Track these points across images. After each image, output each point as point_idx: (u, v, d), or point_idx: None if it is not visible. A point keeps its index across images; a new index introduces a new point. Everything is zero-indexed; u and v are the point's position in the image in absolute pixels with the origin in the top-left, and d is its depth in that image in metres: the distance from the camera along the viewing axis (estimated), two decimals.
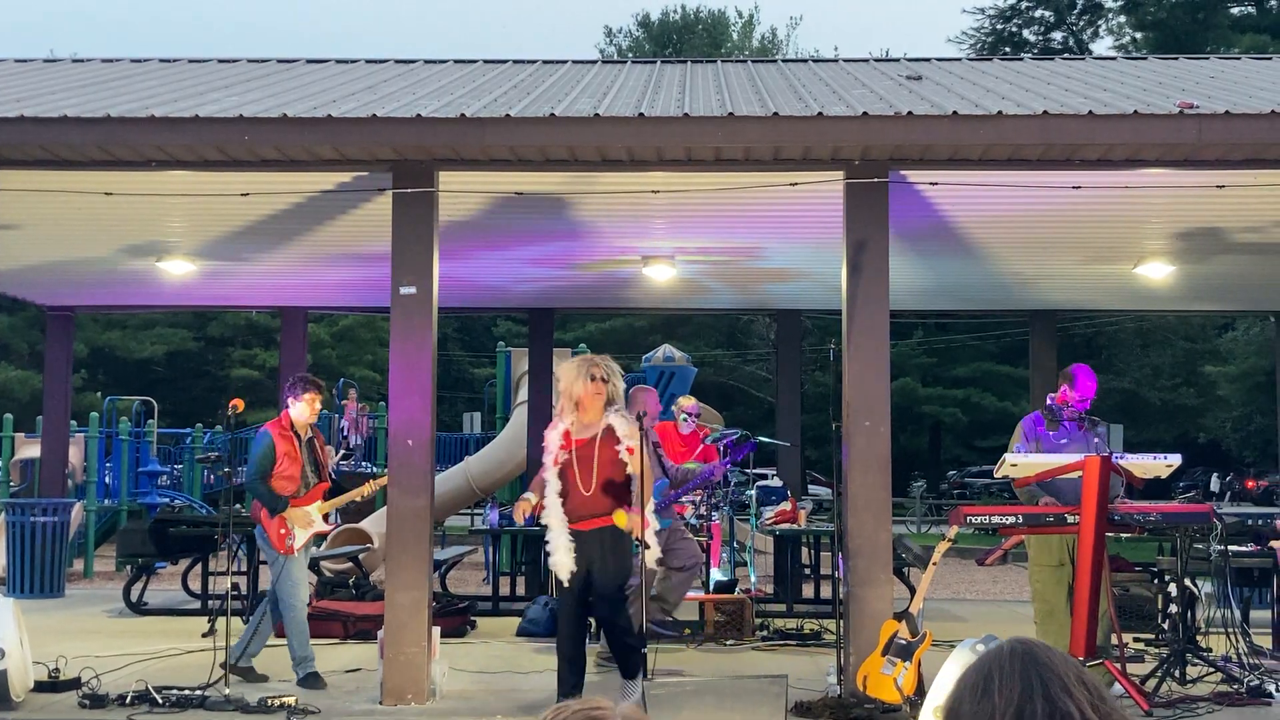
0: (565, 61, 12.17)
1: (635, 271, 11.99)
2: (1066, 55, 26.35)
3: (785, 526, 12.10)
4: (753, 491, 11.95)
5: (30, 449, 19.29)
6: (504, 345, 21.22)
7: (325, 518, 8.77)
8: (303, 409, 8.64)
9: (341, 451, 21.18)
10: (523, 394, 16.80)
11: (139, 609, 12.53)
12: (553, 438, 7.60)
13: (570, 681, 7.51)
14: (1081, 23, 44.91)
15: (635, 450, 7.45)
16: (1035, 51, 40.71)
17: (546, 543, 7.53)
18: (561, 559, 7.41)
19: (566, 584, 7.48)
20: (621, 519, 7.39)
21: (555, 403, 7.91)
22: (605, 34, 54.05)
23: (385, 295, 8.44)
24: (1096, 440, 8.23)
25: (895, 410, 8.73)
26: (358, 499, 9.07)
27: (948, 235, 10.54)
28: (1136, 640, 9.59)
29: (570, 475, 7.50)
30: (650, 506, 7.67)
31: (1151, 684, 7.87)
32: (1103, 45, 44.59)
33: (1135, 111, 8.10)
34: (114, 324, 34.47)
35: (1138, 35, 42.62)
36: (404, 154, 8.24)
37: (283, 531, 8.52)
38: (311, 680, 8.35)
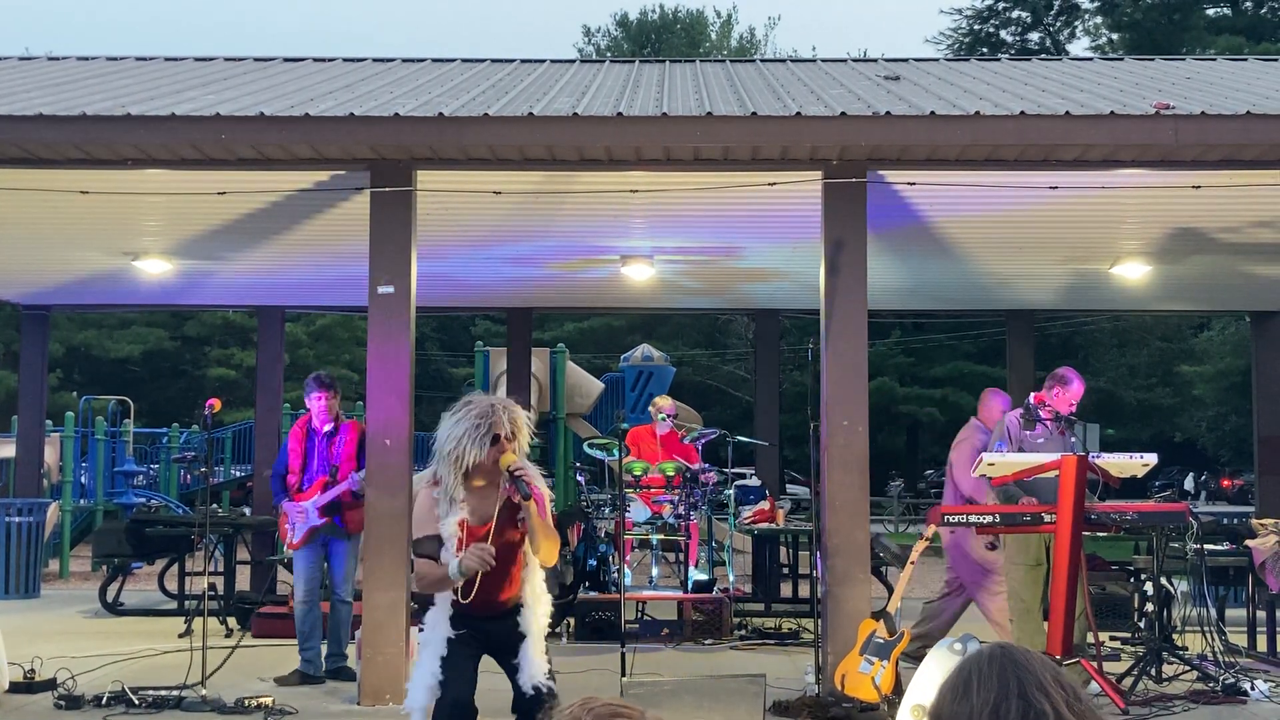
0: (543, 61, 12.16)
1: (614, 271, 11.98)
2: (1043, 56, 26.47)
3: (763, 526, 12.11)
4: (731, 491, 11.93)
5: (5, 449, 19.18)
6: (482, 345, 21.17)
7: (323, 510, 8.68)
8: (312, 407, 8.82)
9: None
10: (501, 393, 16.80)
11: (115, 609, 12.47)
12: (449, 530, 5.26)
13: None
14: (1058, 24, 45.04)
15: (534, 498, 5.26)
16: (1012, 52, 40.83)
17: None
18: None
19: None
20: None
21: (432, 466, 5.39)
22: (583, 33, 53.95)
23: (363, 295, 8.42)
24: (1073, 440, 8.26)
25: (873, 410, 8.74)
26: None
27: (925, 235, 10.56)
28: (1113, 639, 9.63)
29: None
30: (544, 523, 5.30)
31: (1128, 682, 7.90)
32: (1079, 46, 44.80)
33: (1112, 112, 8.13)
34: (90, 323, 34.26)
35: (1114, 36, 42.77)
36: (382, 153, 8.22)
37: (285, 526, 8.72)
38: (292, 677, 8.39)
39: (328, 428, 8.80)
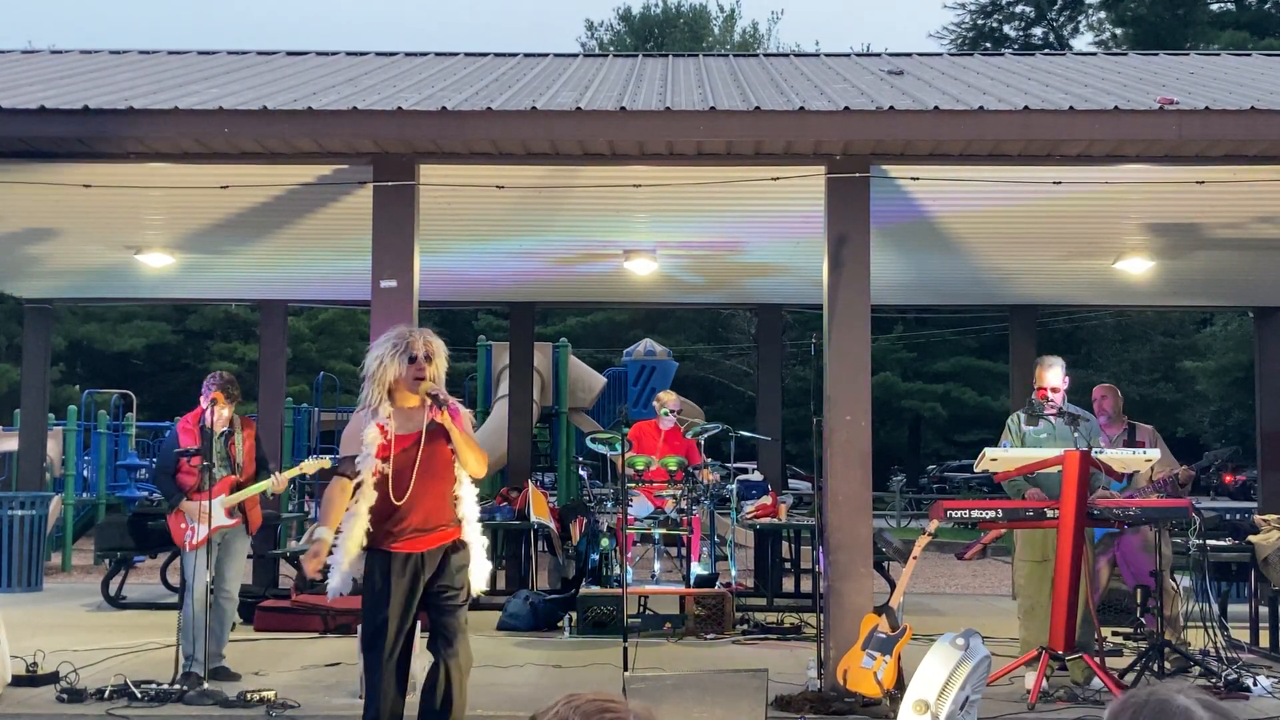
0: (547, 55, 12.16)
1: (616, 266, 11.97)
2: (1047, 51, 26.40)
3: (766, 521, 12.11)
4: (733, 486, 11.93)
5: (8, 442, 19.20)
6: (484, 339, 21.17)
7: (233, 511, 8.44)
8: (207, 407, 8.38)
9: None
10: (503, 388, 16.80)
11: (117, 603, 12.48)
12: (369, 435, 5.70)
13: None
14: (1062, 19, 44.98)
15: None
16: (1016, 47, 40.79)
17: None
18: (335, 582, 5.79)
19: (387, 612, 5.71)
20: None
21: (363, 391, 5.84)
22: (586, 27, 54.03)
23: (366, 289, 8.42)
24: (1077, 435, 8.25)
25: (875, 405, 8.74)
26: (265, 491, 8.58)
27: (928, 230, 10.55)
28: (1115, 635, 9.63)
29: (383, 486, 5.70)
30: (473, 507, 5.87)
31: (1130, 678, 7.90)
32: (1083, 41, 44.69)
33: (1116, 107, 8.13)
34: (92, 316, 34.28)
35: (1118, 31, 42.70)
36: (385, 147, 8.22)
37: (183, 526, 8.33)
38: (186, 679, 7.92)
39: (224, 428, 8.50)
